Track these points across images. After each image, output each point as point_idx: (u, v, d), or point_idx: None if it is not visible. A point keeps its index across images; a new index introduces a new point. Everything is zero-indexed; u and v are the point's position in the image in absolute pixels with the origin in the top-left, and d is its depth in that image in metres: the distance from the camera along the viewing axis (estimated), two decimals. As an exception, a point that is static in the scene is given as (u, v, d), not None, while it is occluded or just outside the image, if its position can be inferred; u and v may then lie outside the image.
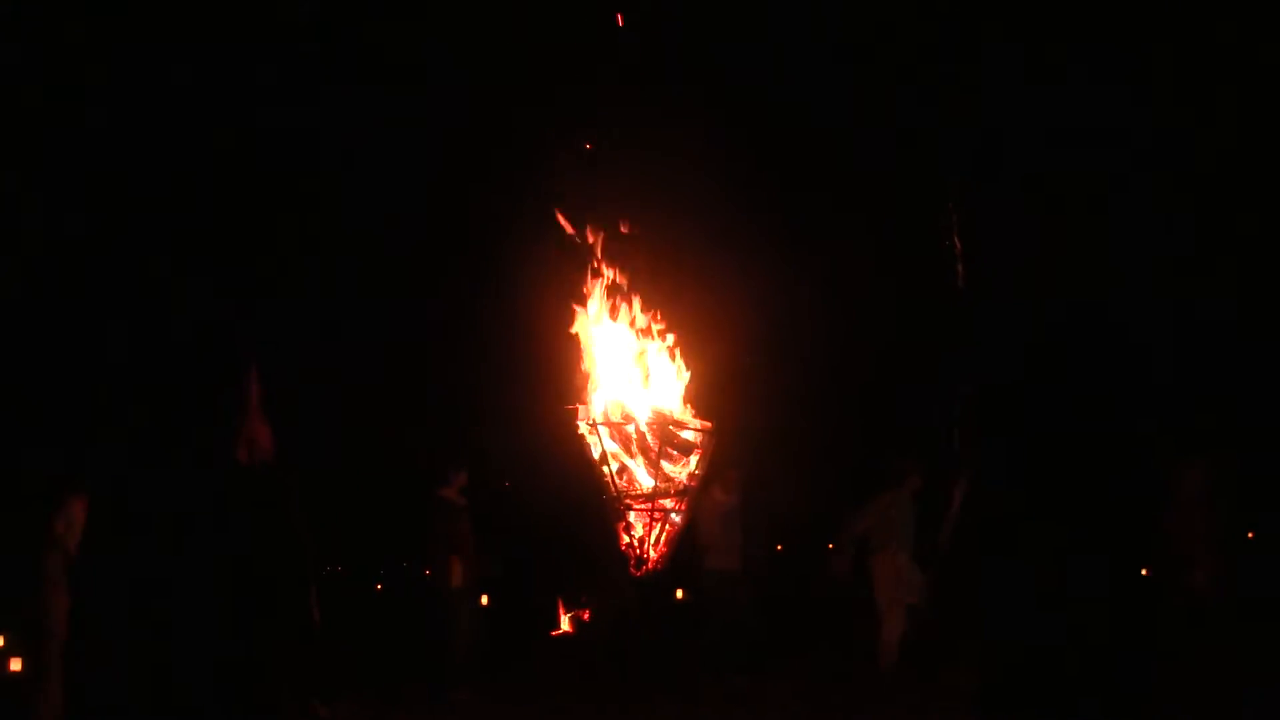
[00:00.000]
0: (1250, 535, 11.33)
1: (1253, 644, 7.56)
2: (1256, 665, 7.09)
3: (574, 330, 6.90)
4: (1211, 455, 8.24)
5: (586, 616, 12.33)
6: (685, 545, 7.97)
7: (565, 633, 12.33)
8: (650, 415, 6.69)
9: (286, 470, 2.36)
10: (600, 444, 6.60)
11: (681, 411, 6.80)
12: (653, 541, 6.59)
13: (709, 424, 6.84)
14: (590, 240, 6.98)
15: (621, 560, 6.62)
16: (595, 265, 6.99)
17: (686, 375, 6.89)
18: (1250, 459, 8.86)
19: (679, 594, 11.69)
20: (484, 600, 8.52)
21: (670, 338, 6.97)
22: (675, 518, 6.73)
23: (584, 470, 6.76)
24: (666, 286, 7.06)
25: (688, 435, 6.77)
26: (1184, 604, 7.86)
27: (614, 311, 6.95)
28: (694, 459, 6.77)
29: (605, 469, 6.64)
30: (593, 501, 6.90)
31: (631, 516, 6.62)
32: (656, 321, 6.98)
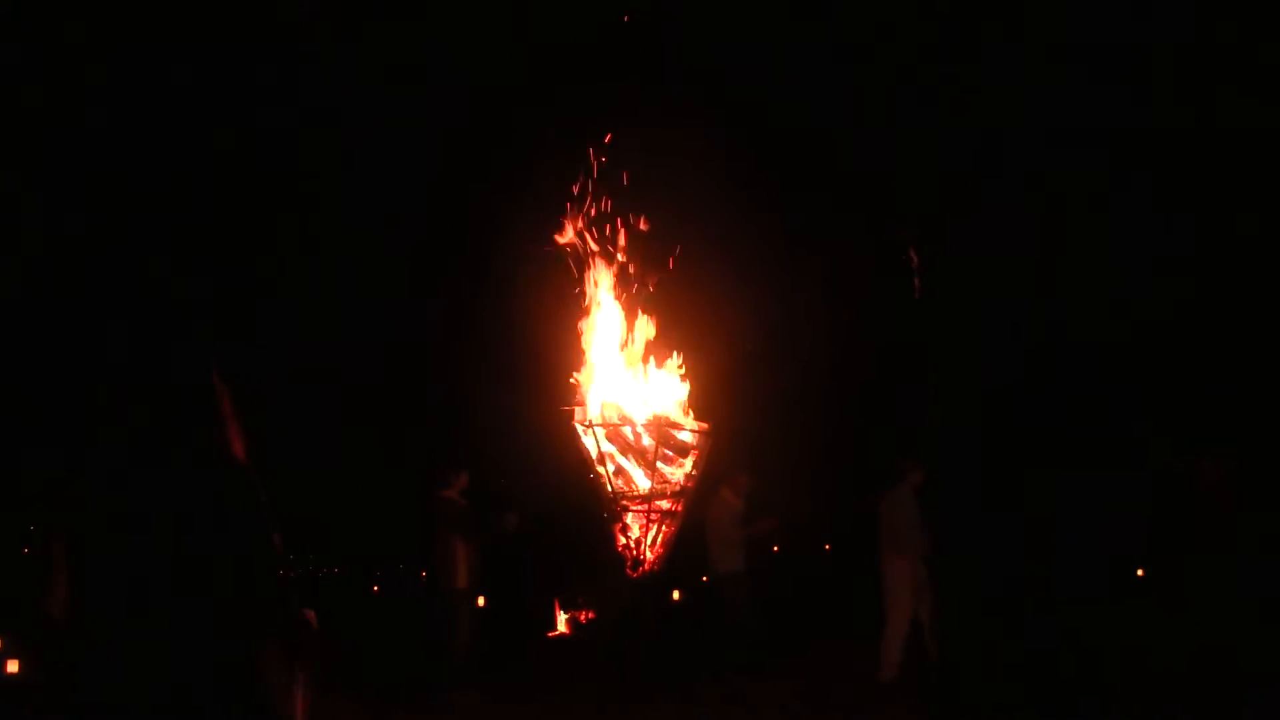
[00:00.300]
0: (1250, 535, 11.32)
1: (1253, 644, 7.55)
2: (1256, 665, 7.09)
3: (572, 329, 6.90)
4: (1216, 455, 8.23)
5: (586, 618, 12.33)
6: (689, 546, 7.95)
7: (562, 634, 12.33)
8: (647, 416, 6.67)
9: (260, 473, 2.37)
10: (597, 445, 6.58)
11: (679, 412, 6.79)
12: (649, 542, 6.58)
13: (706, 425, 6.82)
14: (590, 240, 6.97)
15: (619, 561, 6.62)
16: (595, 266, 6.98)
17: (686, 384, 6.88)
18: (1250, 459, 8.85)
19: (675, 595, 11.68)
20: (481, 601, 8.51)
21: (668, 338, 6.96)
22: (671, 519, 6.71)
23: (581, 471, 6.75)
24: (665, 287, 7.05)
25: (684, 436, 6.75)
26: (1184, 604, 7.86)
27: (612, 312, 6.94)
28: (690, 460, 6.76)
29: (602, 470, 6.63)
30: (590, 502, 6.89)
31: (629, 518, 6.61)
32: (655, 322, 6.97)
